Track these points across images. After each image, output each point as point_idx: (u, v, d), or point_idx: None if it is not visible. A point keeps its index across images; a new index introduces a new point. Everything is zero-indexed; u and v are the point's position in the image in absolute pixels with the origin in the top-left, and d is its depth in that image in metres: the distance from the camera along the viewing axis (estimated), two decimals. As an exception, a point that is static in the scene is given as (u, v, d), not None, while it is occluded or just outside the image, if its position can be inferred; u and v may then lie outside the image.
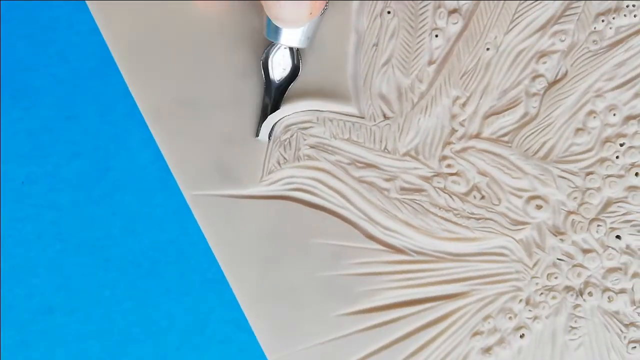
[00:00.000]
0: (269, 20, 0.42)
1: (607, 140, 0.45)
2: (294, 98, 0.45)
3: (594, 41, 0.44)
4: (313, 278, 0.45)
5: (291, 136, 0.45)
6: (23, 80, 0.47)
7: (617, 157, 0.44)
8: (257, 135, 0.45)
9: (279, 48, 0.44)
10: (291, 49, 0.44)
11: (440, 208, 0.45)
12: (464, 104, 0.45)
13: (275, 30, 0.43)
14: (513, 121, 0.45)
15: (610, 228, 0.44)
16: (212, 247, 0.45)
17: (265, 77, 0.44)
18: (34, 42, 0.47)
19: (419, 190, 0.45)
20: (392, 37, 0.45)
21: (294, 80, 0.45)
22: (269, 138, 0.45)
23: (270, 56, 0.44)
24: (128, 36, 0.45)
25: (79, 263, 0.46)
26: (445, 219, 0.45)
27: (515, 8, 0.44)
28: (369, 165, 0.45)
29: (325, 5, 0.43)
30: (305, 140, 0.45)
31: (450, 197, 0.45)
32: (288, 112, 0.45)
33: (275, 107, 0.45)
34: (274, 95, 0.45)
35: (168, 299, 0.46)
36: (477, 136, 0.45)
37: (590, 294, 0.44)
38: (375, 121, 0.45)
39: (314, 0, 0.41)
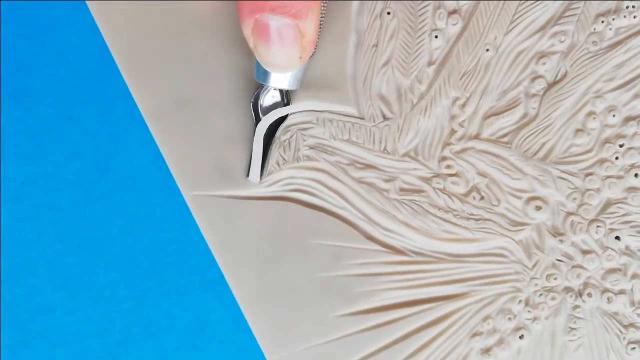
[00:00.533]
0: (258, 64, 0.43)
1: (607, 141, 0.45)
2: (294, 98, 0.45)
3: (593, 42, 0.44)
4: (313, 278, 0.45)
5: (291, 137, 0.45)
6: (23, 80, 0.47)
7: (616, 158, 0.44)
8: (247, 175, 0.45)
9: (268, 90, 0.44)
10: (281, 90, 0.44)
11: (439, 209, 0.45)
12: (463, 105, 0.45)
13: (264, 73, 0.43)
14: (512, 122, 0.45)
15: (610, 229, 0.44)
16: (212, 248, 0.45)
17: (255, 117, 0.44)
18: (34, 42, 0.47)
19: (419, 191, 0.45)
20: (391, 38, 0.45)
21: (284, 120, 0.45)
22: (260, 178, 0.45)
23: (260, 97, 0.44)
24: (128, 36, 0.45)
25: (79, 263, 0.46)
26: (445, 220, 0.45)
27: (515, 9, 0.44)
28: (369, 166, 0.45)
29: (315, 48, 0.43)
30: (304, 141, 0.45)
31: (450, 197, 0.45)
32: (286, 112, 0.45)
33: (266, 147, 0.45)
34: (264, 135, 0.45)
35: (168, 299, 0.46)
36: (476, 137, 0.45)
37: (589, 294, 0.44)
38: (374, 122, 0.45)
39: (304, 45, 0.41)
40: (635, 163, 0.44)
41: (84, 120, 0.47)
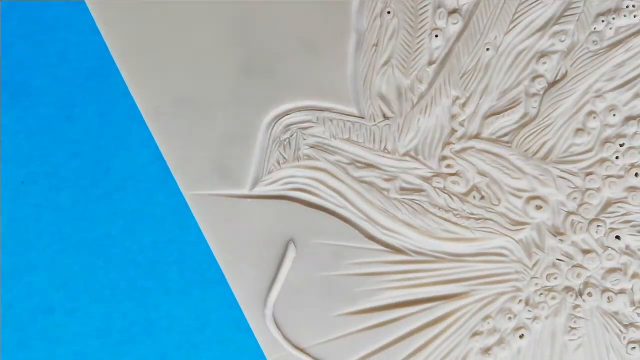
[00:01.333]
0: None
1: (607, 140, 0.45)
2: (294, 97, 0.45)
3: (594, 42, 0.44)
4: (313, 278, 0.45)
5: (291, 136, 0.45)
6: (23, 80, 0.47)
7: (617, 158, 0.44)
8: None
9: None
10: None
11: (439, 208, 0.45)
12: (463, 105, 0.45)
13: None
14: (513, 122, 0.45)
15: (610, 229, 0.44)
16: (212, 247, 0.45)
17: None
18: (34, 42, 0.47)
19: (419, 191, 0.45)
20: (392, 38, 0.45)
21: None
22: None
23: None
24: (128, 36, 0.45)
25: (79, 263, 0.46)
26: (445, 220, 0.45)
27: (516, 8, 0.44)
28: (369, 166, 0.45)
29: None
30: (305, 140, 0.45)
31: (450, 197, 0.45)
32: None
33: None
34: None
35: (168, 299, 0.46)
36: (477, 136, 0.45)
37: (589, 294, 0.44)
38: (375, 121, 0.45)
39: None
40: (635, 162, 0.44)
41: (84, 120, 0.47)
